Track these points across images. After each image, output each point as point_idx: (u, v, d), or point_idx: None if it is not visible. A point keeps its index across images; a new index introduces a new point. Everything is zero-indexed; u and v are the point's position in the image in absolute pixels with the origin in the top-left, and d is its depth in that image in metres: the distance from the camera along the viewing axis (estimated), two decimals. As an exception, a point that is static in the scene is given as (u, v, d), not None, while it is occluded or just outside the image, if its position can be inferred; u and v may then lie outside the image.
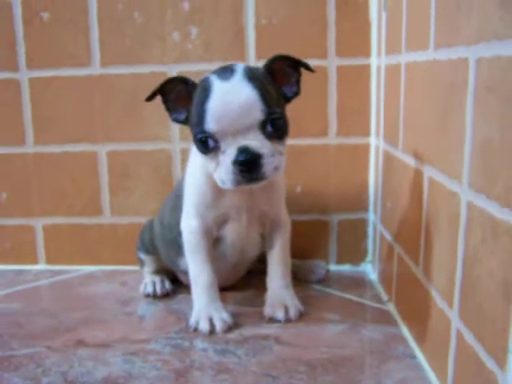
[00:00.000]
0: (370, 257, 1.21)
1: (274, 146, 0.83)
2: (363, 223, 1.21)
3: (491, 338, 0.60)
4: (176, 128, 1.18)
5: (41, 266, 1.27)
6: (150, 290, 1.08)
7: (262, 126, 0.82)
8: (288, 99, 0.90)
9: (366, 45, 1.13)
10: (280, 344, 0.88)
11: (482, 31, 0.62)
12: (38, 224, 1.24)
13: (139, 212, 1.21)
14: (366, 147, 1.17)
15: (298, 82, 0.90)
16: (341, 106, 1.16)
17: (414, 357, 0.83)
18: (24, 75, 1.18)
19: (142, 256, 1.12)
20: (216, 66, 1.12)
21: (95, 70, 1.17)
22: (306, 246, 1.19)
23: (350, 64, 1.14)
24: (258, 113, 0.81)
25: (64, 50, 1.17)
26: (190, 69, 1.15)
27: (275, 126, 0.83)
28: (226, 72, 0.83)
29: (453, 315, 0.71)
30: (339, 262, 1.22)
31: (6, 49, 1.17)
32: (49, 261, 1.26)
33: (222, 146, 0.82)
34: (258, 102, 0.81)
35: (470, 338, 0.65)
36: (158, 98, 0.90)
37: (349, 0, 1.12)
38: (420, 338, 0.85)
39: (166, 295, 1.09)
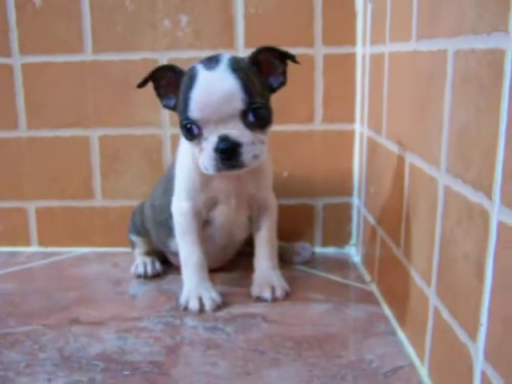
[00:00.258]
0: (353, 240, 1.26)
1: (255, 135, 0.87)
2: (348, 207, 1.25)
3: (465, 314, 0.64)
4: (166, 114, 1.20)
5: (33, 248, 1.30)
6: (141, 270, 1.11)
7: (243, 115, 0.85)
8: (274, 89, 0.92)
9: (351, 34, 1.17)
10: (267, 322, 0.92)
11: (460, 25, 0.66)
12: (31, 207, 1.27)
13: (130, 195, 1.24)
14: (351, 134, 1.21)
15: (284, 73, 0.92)
16: (327, 93, 1.19)
17: (394, 334, 0.88)
18: (17, 60, 1.20)
19: (134, 238, 1.15)
20: (206, 53, 1.15)
21: (87, 56, 1.19)
22: (292, 229, 1.23)
23: (336, 52, 1.17)
24: (239, 102, 0.84)
25: (56, 37, 1.19)
26: (181, 56, 1.17)
27: (257, 116, 0.86)
28: (211, 62, 0.86)
29: (431, 294, 0.75)
30: (324, 244, 1.26)
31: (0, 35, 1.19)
32: (41, 243, 1.29)
33: (205, 133, 0.86)
34: (240, 91, 0.84)
35: (445, 315, 0.70)
36: (149, 86, 0.92)
37: (335, -10, 1.15)
38: (400, 316, 0.89)
39: (156, 276, 1.12)
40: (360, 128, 1.19)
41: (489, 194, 0.58)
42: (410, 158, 0.84)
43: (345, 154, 1.22)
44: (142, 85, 0.93)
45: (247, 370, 0.78)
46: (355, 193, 1.24)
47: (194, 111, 0.85)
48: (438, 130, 0.72)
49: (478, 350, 0.60)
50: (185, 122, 0.87)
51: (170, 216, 1.02)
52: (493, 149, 0.57)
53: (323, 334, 0.88)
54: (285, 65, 0.92)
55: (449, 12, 0.69)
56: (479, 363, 0.60)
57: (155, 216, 1.08)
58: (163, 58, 1.18)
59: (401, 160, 0.89)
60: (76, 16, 1.17)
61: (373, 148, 1.09)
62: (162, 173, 1.20)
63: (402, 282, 0.88)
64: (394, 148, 0.93)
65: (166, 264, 1.16)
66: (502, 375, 0.55)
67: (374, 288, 1.05)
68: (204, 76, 0.85)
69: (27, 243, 1.29)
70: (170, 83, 0.92)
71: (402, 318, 0.89)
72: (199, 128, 0.86)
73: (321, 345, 0.85)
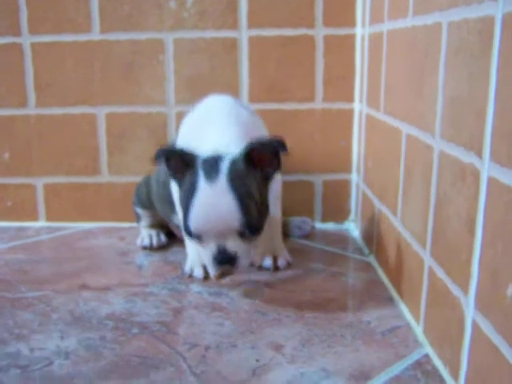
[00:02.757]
0: (352, 215, 1.30)
1: (250, 243, 0.90)
2: (347, 184, 1.29)
3: (457, 269, 0.68)
4: (171, 92, 1.24)
5: (41, 223, 1.33)
6: (146, 242, 1.15)
7: (241, 232, 0.88)
8: (271, 177, 0.93)
9: (351, 16, 1.20)
10: (269, 288, 0.97)
11: (453, -3, 0.70)
12: (39, 183, 1.30)
13: (136, 172, 1.28)
14: (350, 112, 1.25)
15: (278, 162, 0.92)
16: (327, 73, 1.23)
17: (391, 299, 0.92)
18: (26, 39, 1.23)
19: (139, 210, 1.19)
20: (210, 33, 1.19)
21: (95, 35, 1.23)
22: (293, 204, 1.26)
23: (336, 34, 1.21)
24: (236, 223, 0.86)
25: (65, 17, 1.22)
26: (185, 36, 1.21)
27: (253, 232, 0.89)
28: (212, 169, 0.87)
29: (426, 255, 0.79)
30: (324, 220, 1.30)
31: (9, 14, 1.23)
32: (48, 218, 1.33)
33: (205, 240, 0.89)
34: (237, 213, 0.86)
35: (439, 273, 0.74)
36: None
37: (336, -27, 1.19)
38: (397, 281, 0.93)
39: (161, 248, 1.16)
40: (359, 106, 1.23)
41: (479, 154, 0.62)
42: (407, 130, 0.88)
43: (344, 131, 1.25)
44: (153, 162, 0.93)
45: (251, 328, 0.82)
46: (354, 169, 1.27)
47: (193, 225, 0.88)
48: (433, 100, 0.76)
49: (469, 301, 0.64)
50: (186, 229, 0.90)
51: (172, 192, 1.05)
52: (483, 111, 0.61)
53: (323, 299, 0.92)
54: (277, 154, 0.91)
55: (444, -14, 0.73)
56: (470, 313, 0.64)
57: (159, 191, 1.11)
58: (169, 39, 1.22)
59: (398, 132, 0.93)
60: (84, -4, 1.21)
61: (371, 124, 1.12)
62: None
63: (398, 250, 0.92)
64: (391, 122, 0.97)
65: (171, 237, 1.19)
66: (492, 321, 0.59)
67: (371, 259, 1.09)
68: (204, 190, 0.86)
69: (35, 218, 1.33)
70: (178, 164, 0.92)
71: (398, 284, 0.93)
72: (199, 236, 0.89)
73: (320, 308, 0.89)
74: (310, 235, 1.23)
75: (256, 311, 0.88)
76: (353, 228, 1.29)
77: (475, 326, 0.63)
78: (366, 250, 1.14)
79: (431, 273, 0.77)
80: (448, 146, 0.71)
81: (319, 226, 1.29)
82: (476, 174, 0.63)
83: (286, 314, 0.87)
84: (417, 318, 0.83)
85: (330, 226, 1.30)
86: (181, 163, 0.92)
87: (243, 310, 0.89)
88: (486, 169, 0.60)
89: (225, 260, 0.89)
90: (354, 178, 1.28)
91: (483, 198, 0.61)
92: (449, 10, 0.70)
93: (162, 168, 1.11)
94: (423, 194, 0.80)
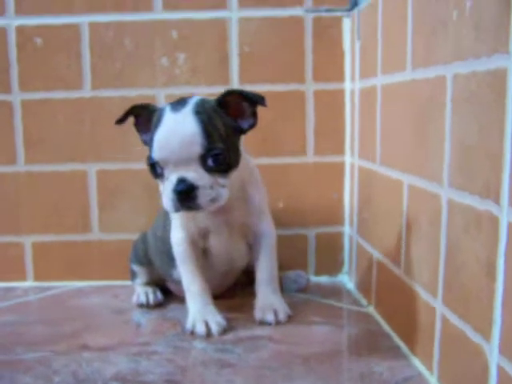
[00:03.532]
0: (346, 268, 1.30)
1: (215, 179, 0.90)
2: (339, 236, 1.29)
3: (476, 315, 0.68)
4: (163, 148, 1.24)
5: (29, 283, 1.29)
6: (143, 299, 1.12)
7: (203, 159, 0.89)
8: (244, 131, 0.96)
9: (340, 71, 1.24)
10: (274, 342, 0.95)
11: (458, 50, 0.72)
12: (28, 241, 1.27)
13: (127, 228, 1.26)
14: (341, 165, 1.27)
15: (254, 114, 0.95)
16: (318, 127, 1.25)
17: (398, 348, 0.91)
18: (16, 97, 1.23)
19: (135, 267, 1.17)
20: (202, 90, 1.21)
21: (86, 92, 1.23)
22: (286, 258, 1.25)
23: (325, 88, 1.24)
24: (197, 147, 0.88)
25: (56, 74, 1.23)
26: (178, 92, 1.22)
27: (216, 161, 0.89)
28: (179, 104, 0.91)
29: (437, 303, 0.79)
30: (317, 273, 1.30)
31: (0, 72, 1.22)
32: (37, 277, 1.29)
33: (166, 173, 0.90)
34: (199, 136, 0.87)
35: (454, 320, 0.74)
36: None
37: (324, 31, 1.22)
38: (404, 331, 0.93)
39: (158, 305, 1.13)
40: (350, 159, 1.25)
41: (497, 201, 0.63)
42: (409, 180, 0.90)
43: (336, 184, 1.27)
44: (120, 121, 0.98)
45: (263, 384, 0.81)
46: (346, 222, 1.28)
47: (156, 152, 0.89)
48: (439, 149, 0.78)
49: (492, 347, 0.64)
50: (149, 162, 0.91)
51: (171, 247, 1.04)
52: (498, 159, 0.63)
53: (330, 351, 0.91)
54: (254, 107, 0.94)
55: (444, 40, 0.76)
56: (495, 359, 0.64)
57: (158, 246, 1.10)
58: (160, 95, 1.23)
59: (398, 183, 0.94)
60: (76, 54, 1.22)
61: (366, 176, 1.14)
62: (159, 206, 1.23)
63: (403, 300, 0.92)
64: (390, 173, 0.99)
65: (167, 294, 1.17)
66: (520, 366, 0.59)
67: (371, 310, 1.09)
68: (168, 118, 0.89)
69: (23, 278, 1.29)
70: (145, 120, 0.96)
71: (405, 333, 0.92)
72: (161, 168, 0.90)
73: (329, 360, 0.88)
74: (305, 289, 1.22)
75: (265, 367, 0.86)
76: (346, 280, 1.28)
77: (501, 372, 0.63)
78: (364, 302, 1.14)
79: (444, 320, 0.77)
80: (458, 194, 0.72)
81: (313, 279, 1.29)
82: (494, 221, 0.64)
83: (296, 367, 0.85)
84: (429, 367, 0.82)
85: (323, 278, 1.30)
86: (148, 116, 0.95)
87: (252, 365, 0.86)
88: (505, 215, 0.62)
89: (183, 191, 0.87)
90: (347, 230, 1.29)
91: (503, 243, 0.62)
92: (453, 63, 0.73)
93: (159, 221, 1.11)
94: (431, 242, 0.81)
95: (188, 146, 0.87)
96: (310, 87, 1.24)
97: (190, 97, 0.92)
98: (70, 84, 1.23)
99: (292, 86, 1.23)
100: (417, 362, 0.86)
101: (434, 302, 0.80)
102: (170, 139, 0.88)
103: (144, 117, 0.97)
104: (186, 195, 0.88)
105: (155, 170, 0.91)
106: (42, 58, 1.22)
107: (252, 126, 0.95)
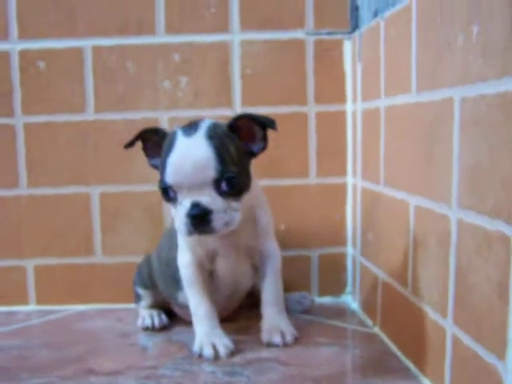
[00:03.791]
0: (349, 288, 1.30)
1: (228, 202, 0.91)
2: (342, 257, 1.29)
3: (489, 335, 0.69)
4: (166, 170, 1.25)
5: (31, 307, 1.28)
6: (148, 322, 1.12)
7: (216, 183, 0.89)
8: (255, 154, 0.97)
9: (341, 93, 1.25)
10: (283, 364, 0.94)
11: (465, 74, 0.73)
12: (30, 265, 1.27)
13: (131, 251, 1.26)
14: (343, 186, 1.27)
15: (264, 138, 0.96)
16: (320, 148, 1.26)
17: (407, 369, 0.91)
18: (19, 120, 1.23)
19: (140, 290, 1.16)
20: (205, 112, 1.22)
21: (89, 115, 1.23)
22: (289, 279, 1.25)
23: (327, 110, 1.25)
24: (211, 171, 0.88)
25: (59, 97, 1.23)
26: (180, 115, 1.23)
27: (229, 185, 0.90)
28: (191, 128, 0.92)
29: (447, 324, 0.79)
30: (321, 294, 1.30)
31: (3, 95, 1.23)
32: (39, 301, 1.28)
33: (179, 197, 0.91)
34: (213, 161, 0.88)
35: (466, 340, 0.74)
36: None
37: (325, 53, 1.24)
38: (413, 352, 0.93)
39: (163, 328, 1.13)
40: (352, 180, 1.25)
41: (508, 221, 0.64)
42: (415, 201, 0.90)
43: (338, 205, 1.28)
44: (128, 145, 0.99)
45: (274, 408, 0.80)
46: (349, 242, 1.29)
47: (169, 176, 0.89)
48: (446, 169, 0.78)
49: (507, 367, 0.64)
50: (161, 186, 0.92)
51: (177, 270, 1.04)
52: (509, 180, 0.64)
53: (340, 372, 0.91)
54: (265, 130, 0.96)
55: (451, 63, 0.77)
56: (510, 379, 0.64)
57: (162, 269, 1.10)
58: (163, 117, 1.24)
59: (404, 204, 0.95)
60: (79, 77, 1.22)
61: (369, 198, 1.15)
62: (162, 228, 1.24)
63: (411, 319, 0.93)
64: (394, 194, 0.99)
65: (172, 317, 1.16)
66: (537, 386, 0.59)
67: (376, 331, 1.09)
68: (181, 142, 0.90)
69: (25, 302, 1.28)
70: (154, 144, 0.97)
71: (414, 354, 0.92)
72: (174, 192, 0.91)
73: (339, 382, 0.87)
74: (309, 310, 1.22)
75: (276, 389, 0.86)
76: (350, 301, 1.29)
77: (517, 393, 0.63)
78: (369, 322, 1.14)
79: (455, 340, 0.77)
80: (468, 214, 0.73)
81: (316, 300, 1.28)
82: (505, 241, 0.64)
83: (308, 390, 0.85)
84: (441, 388, 0.82)
85: (327, 299, 1.30)
86: (157, 140, 0.96)
87: (262, 388, 0.86)
88: (518, 235, 0.62)
89: (198, 214, 0.88)
90: (350, 250, 1.29)
91: (516, 263, 0.63)
92: (461, 87, 0.74)
93: (164, 243, 1.10)
94: (441, 262, 0.81)
95: (202, 170, 0.88)
96: (311, 109, 1.25)
97: (200, 120, 0.93)
98: (72, 107, 1.23)
99: (294, 108, 1.24)
100: (426, 383, 0.86)
101: (443, 322, 0.81)
102: (184, 164, 0.88)
103: (153, 141, 0.97)
104: (201, 219, 0.88)
105: (168, 194, 0.91)
106: (44, 82, 1.23)
107: (262, 150, 0.96)
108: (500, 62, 0.65)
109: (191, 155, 0.88)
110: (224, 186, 0.89)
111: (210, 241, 1.00)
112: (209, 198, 0.89)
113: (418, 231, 0.90)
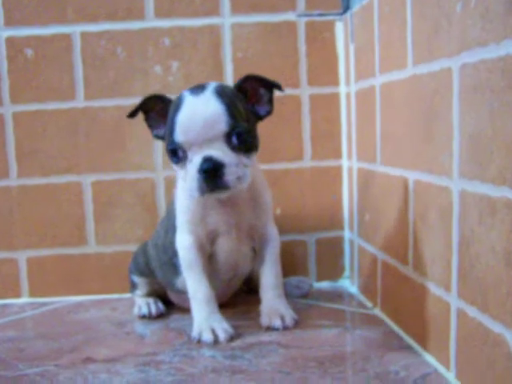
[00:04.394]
0: (347, 272, 1.28)
1: (239, 157, 0.90)
2: (339, 241, 1.28)
3: (496, 305, 0.67)
4: (159, 157, 1.23)
5: (24, 299, 1.26)
6: (145, 311, 1.10)
7: (227, 137, 0.89)
8: (261, 117, 0.97)
9: (334, 74, 1.24)
10: (284, 347, 0.93)
11: (463, 41, 0.72)
12: (22, 257, 1.24)
13: (125, 240, 1.24)
14: (339, 169, 1.26)
15: (270, 101, 0.97)
16: (314, 131, 1.25)
17: (410, 347, 0.90)
18: (8, 109, 1.21)
19: (136, 279, 1.14)
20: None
21: (79, 103, 1.21)
22: (288, 264, 1.24)
23: (320, 93, 1.24)
24: (222, 125, 0.88)
25: (48, 85, 1.21)
26: (172, 100, 1.21)
27: (240, 139, 0.89)
28: (198, 88, 0.91)
29: (451, 298, 0.78)
30: (318, 279, 1.29)
31: (-9, 85, 1.21)
32: (32, 293, 1.26)
33: (190, 155, 0.89)
34: (223, 114, 0.88)
35: (472, 313, 0.73)
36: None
37: (317, 35, 1.22)
38: (414, 329, 0.92)
39: (160, 316, 1.11)
40: (348, 162, 1.24)
41: (513, 186, 0.63)
42: (415, 176, 0.89)
43: (334, 188, 1.26)
44: (132, 115, 0.97)
45: (279, 388, 0.79)
46: (346, 226, 1.27)
47: (179, 134, 0.88)
48: (447, 142, 0.77)
49: (517, 335, 0.63)
50: (170, 147, 0.90)
51: (174, 255, 1.03)
52: (512, 144, 0.63)
53: (342, 353, 0.90)
54: (271, 93, 0.96)
55: (448, 33, 0.76)
56: (520, 347, 0.63)
57: (159, 256, 1.08)
58: (155, 103, 1.22)
59: (403, 180, 0.94)
60: (68, 65, 1.20)
61: (365, 178, 1.14)
62: (156, 216, 1.22)
63: (412, 298, 0.91)
64: (393, 171, 0.98)
65: (168, 306, 1.14)
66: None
67: (377, 312, 1.08)
68: (189, 101, 0.89)
69: (17, 294, 1.25)
70: (158, 113, 0.96)
71: (416, 332, 0.91)
72: (184, 151, 0.89)
73: (343, 362, 0.86)
74: (308, 294, 1.20)
75: (279, 371, 0.84)
76: (348, 285, 1.27)
77: (527, 360, 0.62)
78: (369, 304, 1.12)
79: (460, 315, 0.76)
80: (470, 184, 0.72)
81: (314, 285, 1.27)
82: (510, 207, 0.63)
83: (310, 370, 0.83)
84: (446, 363, 0.81)
85: (324, 284, 1.29)
86: (163, 107, 0.94)
87: (265, 370, 0.84)
88: (524, 199, 0.61)
89: (210, 168, 0.86)
90: (347, 234, 1.28)
91: (523, 228, 0.62)
92: (460, 55, 0.73)
93: (160, 230, 1.09)
94: (442, 237, 0.80)
95: (212, 124, 0.87)
96: (304, 92, 1.24)
97: (205, 83, 0.92)
98: (62, 95, 1.21)
99: (287, 91, 1.21)
100: (431, 360, 0.85)
101: (447, 297, 0.79)
102: (194, 120, 0.87)
103: (157, 110, 0.96)
104: (213, 174, 0.87)
105: (177, 154, 0.90)
106: (33, 70, 1.20)
107: (269, 113, 0.97)
108: (500, 25, 0.64)
109: (201, 111, 0.87)
110: (235, 140, 0.89)
111: (212, 219, 0.98)
112: (220, 152, 0.88)
113: (418, 207, 0.89)
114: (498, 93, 0.65)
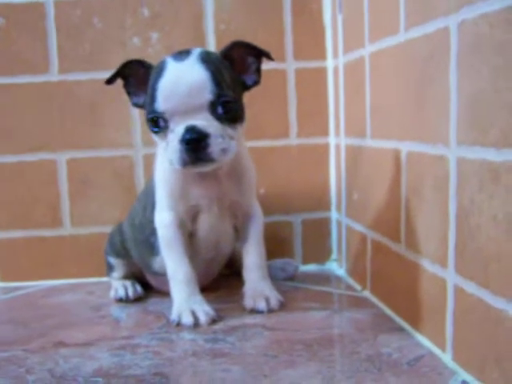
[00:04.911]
0: (334, 255, 1.23)
1: (225, 128, 0.84)
2: (326, 222, 1.23)
3: (497, 279, 0.62)
4: (138, 134, 1.17)
5: (-5, 284, 1.20)
6: (121, 293, 1.04)
7: (212, 107, 0.83)
8: (248, 87, 0.91)
9: (321, 48, 1.18)
10: (269, 330, 0.88)
11: (461, -2, 0.67)
12: (-8, 239, 1.18)
13: (101, 221, 1.18)
14: (326, 147, 1.21)
15: (258, 71, 0.91)
16: (300, 108, 1.19)
17: (402, 329, 0.85)
18: (-23, 83, 1.14)
19: (112, 260, 1.08)
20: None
21: (53, 76, 1.15)
22: (272, 246, 1.18)
23: (307, 67, 1.18)
24: (207, 93, 0.82)
25: (20, 57, 1.14)
26: (151, 74, 1.15)
27: (226, 109, 0.84)
28: (181, 54, 0.85)
29: (448, 274, 0.73)
30: (305, 261, 1.23)
31: (-44, 56, 1.13)
32: (4, 278, 1.19)
33: (171, 125, 0.83)
34: (209, 82, 0.82)
35: (470, 288, 0.68)
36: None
37: (304, 6, 1.17)
38: (406, 310, 0.87)
39: (138, 299, 1.05)
40: (335, 140, 1.19)
41: (518, 147, 0.58)
42: (408, 147, 0.84)
43: (321, 167, 1.21)
44: (110, 81, 0.91)
45: (263, 372, 0.73)
46: (333, 206, 1.22)
47: (161, 102, 0.82)
48: (443, 108, 0.72)
49: (521, 310, 0.59)
50: (151, 116, 0.84)
51: (151, 233, 0.97)
52: (517, 104, 0.58)
53: (331, 335, 0.85)
54: (259, 62, 0.91)
55: (445, -9, 0.71)
56: (524, 322, 0.58)
57: (136, 235, 1.02)
58: (133, 77, 1.15)
59: (395, 152, 0.88)
60: (41, 35, 1.14)
61: (354, 155, 1.08)
62: (134, 196, 1.16)
63: (405, 277, 0.86)
64: (384, 144, 0.93)
65: (146, 289, 1.09)
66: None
67: (366, 294, 1.03)
68: (173, 67, 0.83)
69: (-13, 279, 1.19)
70: (139, 79, 0.90)
71: (409, 313, 0.86)
72: (166, 120, 0.84)
73: (332, 344, 0.81)
74: (294, 277, 1.15)
75: (263, 354, 0.78)
76: (336, 267, 1.22)
77: (532, 336, 0.57)
78: (358, 287, 1.07)
79: (458, 291, 0.71)
80: (469, 150, 0.67)
81: (300, 267, 1.22)
82: (515, 170, 0.59)
83: (298, 353, 0.78)
84: (441, 344, 0.76)
85: (311, 267, 1.23)
86: (143, 73, 0.88)
87: (249, 354, 0.79)
88: (531, 161, 0.56)
89: (194, 138, 0.81)
90: (334, 215, 1.22)
91: (528, 193, 0.57)
92: (459, 11, 0.68)
93: (137, 208, 1.03)
94: (438, 210, 0.75)
95: (197, 92, 0.81)
96: (290, 66, 1.18)
97: (189, 48, 0.86)
98: (35, 68, 1.15)
99: (272, 65, 1.16)
100: (425, 341, 0.80)
101: (443, 274, 0.74)
102: (177, 87, 0.81)
103: (137, 76, 0.89)
104: (197, 144, 0.81)
105: (157, 123, 0.84)
106: (4, 40, 1.14)
107: (256, 83, 0.91)
108: (502, -25, 0.59)
109: (185, 78, 0.81)
110: (220, 109, 0.83)
111: (193, 194, 0.93)
112: (204, 122, 0.82)
113: (411, 179, 0.84)
114: (501, 48, 0.60)
